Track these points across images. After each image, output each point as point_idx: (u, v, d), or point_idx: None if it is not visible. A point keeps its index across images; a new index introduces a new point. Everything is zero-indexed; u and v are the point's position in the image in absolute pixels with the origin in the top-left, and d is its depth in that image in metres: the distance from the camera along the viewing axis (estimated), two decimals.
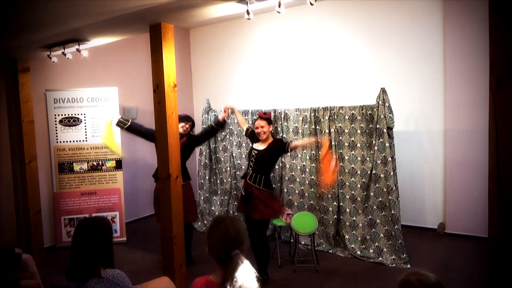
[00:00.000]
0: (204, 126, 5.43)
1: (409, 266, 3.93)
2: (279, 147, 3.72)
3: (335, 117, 4.39)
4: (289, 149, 3.71)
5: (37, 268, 3.17)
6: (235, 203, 5.28)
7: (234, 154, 5.25)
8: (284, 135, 4.81)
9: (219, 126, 4.21)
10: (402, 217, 4.34)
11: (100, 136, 4.42)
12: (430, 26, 4.84)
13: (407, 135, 5.06)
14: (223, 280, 1.55)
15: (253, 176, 3.65)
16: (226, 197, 5.34)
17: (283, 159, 4.80)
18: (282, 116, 4.80)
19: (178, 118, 3.54)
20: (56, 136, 4.83)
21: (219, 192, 5.42)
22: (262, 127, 3.67)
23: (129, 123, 4.11)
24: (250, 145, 3.91)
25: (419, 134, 5.02)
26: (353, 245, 4.29)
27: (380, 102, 4.03)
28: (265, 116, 3.72)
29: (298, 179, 4.71)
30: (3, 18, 3.64)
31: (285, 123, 4.79)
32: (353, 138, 4.30)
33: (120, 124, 4.11)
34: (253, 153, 3.72)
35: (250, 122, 5.04)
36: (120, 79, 5.69)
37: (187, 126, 4.15)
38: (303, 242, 4.57)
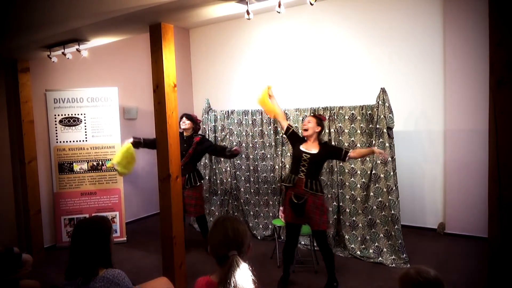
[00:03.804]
0: (204, 127, 5.45)
1: (409, 266, 3.92)
2: (334, 152, 3.54)
3: (335, 117, 4.39)
4: (346, 158, 3.46)
5: (37, 268, 3.18)
6: (235, 203, 5.28)
7: None
8: (284, 135, 4.80)
9: (231, 154, 4.45)
10: (402, 217, 4.33)
11: (114, 157, 4.43)
12: (430, 26, 4.84)
13: (407, 135, 5.06)
14: (221, 280, 1.55)
15: (309, 182, 3.37)
16: (226, 197, 5.34)
17: (283, 159, 4.81)
18: None
19: (188, 117, 4.37)
20: (56, 136, 4.83)
21: (219, 192, 5.42)
22: (308, 122, 3.45)
23: (142, 141, 4.39)
24: (295, 147, 3.54)
25: (419, 134, 5.02)
26: (353, 245, 4.28)
27: (380, 102, 4.03)
28: (317, 115, 3.55)
29: None
30: (3, 18, 3.64)
31: None
32: (353, 138, 4.30)
33: (136, 144, 4.34)
34: (305, 157, 3.40)
35: (250, 123, 5.04)
36: (120, 79, 5.69)
37: (188, 122, 4.42)
38: (302, 242, 4.57)
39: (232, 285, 1.51)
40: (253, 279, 1.56)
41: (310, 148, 3.44)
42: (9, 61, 4.37)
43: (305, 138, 3.50)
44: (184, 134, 4.46)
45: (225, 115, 5.31)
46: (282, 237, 4.69)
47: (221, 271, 1.60)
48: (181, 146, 4.22)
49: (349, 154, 3.44)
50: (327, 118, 4.41)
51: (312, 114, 3.61)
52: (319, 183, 3.45)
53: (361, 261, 4.14)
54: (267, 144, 4.96)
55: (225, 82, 6.61)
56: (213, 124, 5.39)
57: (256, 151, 5.05)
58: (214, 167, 5.47)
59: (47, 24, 3.32)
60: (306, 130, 3.45)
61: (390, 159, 4.03)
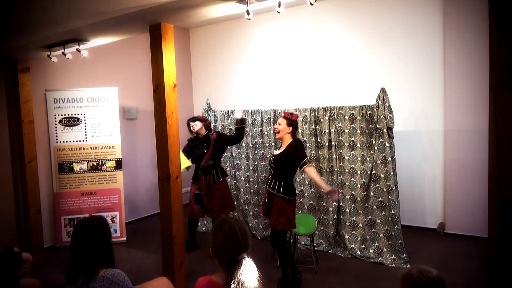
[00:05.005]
0: None
1: (409, 266, 3.92)
2: (296, 156, 3.42)
3: (335, 117, 4.39)
4: (302, 170, 3.42)
5: (37, 268, 3.18)
6: (235, 203, 5.28)
7: (234, 154, 5.25)
8: None
9: (240, 124, 4.43)
10: (402, 217, 4.33)
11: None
12: (430, 26, 4.84)
13: (407, 135, 5.06)
14: (227, 282, 1.54)
15: (272, 183, 3.50)
16: None
17: None
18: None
19: (194, 119, 4.50)
20: (56, 136, 4.83)
21: None
22: (279, 124, 3.52)
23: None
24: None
25: (419, 134, 5.02)
26: (353, 245, 4.28)
27: (380, 102, 4.03)
28: (287, 116, 3.54)
29: (298, 179, 4.71)
30: (3, 18, 3.65)
31: None
32: (353, 138, 4.30)
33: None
34: (271, 159, 3.58)
35: (250, 122, 5.04)
36: (120, 79, 5.69)
37: (197, 123, 4.47)
38: (303, 242, 4.57)
39: (245, 286, 1.50)
40: (261, 282, 1.56)
41: (278, 150, 3.57)
42: (9, 61, 4.37)
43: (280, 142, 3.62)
44: (200, 135, 4.52)
45: (225, 115, 5.30)
46: None
47: (226, 272, 1.58)
48: (202, 146, 4.47)
49: (304, 167, 3.39)
50: (326, 117, 4.42)
51: (282, 116, 3.58)
52: (285, 184, 3.44)
53: (361, 261, 4.14)
54: (267, 144, 4.96)
55: (225, 82, 6.61)
56: (213, 124, 5.39)
57: (256, 151, 5.05)
58: None
59: (47, 24, 3.32)
60: (278, 132, 3.53)
61: (390, 159, 4.03)
